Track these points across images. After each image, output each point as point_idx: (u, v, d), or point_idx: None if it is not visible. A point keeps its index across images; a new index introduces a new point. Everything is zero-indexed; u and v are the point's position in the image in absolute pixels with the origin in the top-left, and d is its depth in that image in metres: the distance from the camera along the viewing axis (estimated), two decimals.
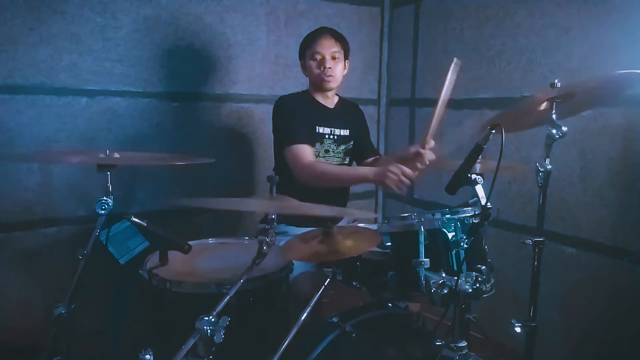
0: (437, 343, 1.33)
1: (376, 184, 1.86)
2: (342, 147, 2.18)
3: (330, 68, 2.04)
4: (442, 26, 2.68)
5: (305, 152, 1.98)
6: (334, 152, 2.16)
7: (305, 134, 2.02)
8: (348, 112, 2.26)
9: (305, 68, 2.13)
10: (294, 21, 2.70)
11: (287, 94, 2.17)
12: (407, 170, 1.69)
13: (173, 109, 2.46)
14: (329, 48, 2.04)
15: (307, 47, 2.08)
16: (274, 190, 1.26)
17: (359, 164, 2.32)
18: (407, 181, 1.70)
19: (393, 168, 1.70)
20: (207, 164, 1.52)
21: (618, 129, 1.90)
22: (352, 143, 2.21)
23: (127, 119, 2.35)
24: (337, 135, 2.15)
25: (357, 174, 1.95)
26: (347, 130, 2.19)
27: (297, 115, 2.05)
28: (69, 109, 2.23)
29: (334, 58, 2.06)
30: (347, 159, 2.22)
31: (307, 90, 2.19)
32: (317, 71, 2.06)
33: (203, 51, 2.50)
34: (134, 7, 2.30)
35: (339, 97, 2.24)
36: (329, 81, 2.07)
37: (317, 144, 2.11)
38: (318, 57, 2.05)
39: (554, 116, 1.47)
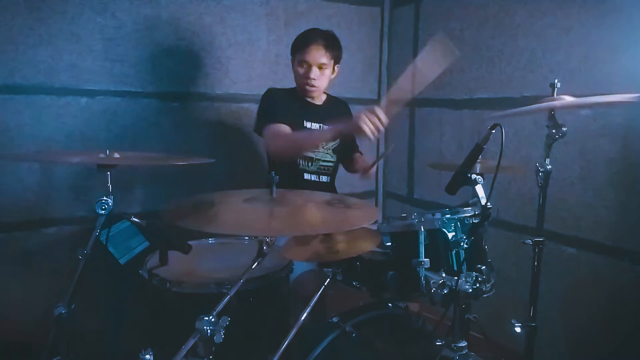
0: (437, 343, 1.34)
1: (352, 133, 1.81)
2: (331, 143, 2.20)
3: (314, 79, 2.04)
4: (442, 26, 2.67)
5: (282, 128, 1.96)
6: (323, 147, 2.18)
7: (284, 117, 2.00)
8: (336, 109, 2.28)
9: (293, 69, 2.13)
10: (294, 21, 2.70)
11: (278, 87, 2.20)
12: (381, 113, 1.59)
13: (173, 109, 2.46)
14: (317, 58, 2.01)
15: (296, 50, 2.07)
16: (274, 190, 1.27)
17: (344, 164, 2.35)
18: (380, 126, 1.59)
19: (366, 112, 1.60)
20: (207, 163, 1.52)
21: (618, 129, 1.90)
22: (338, 141, 2.22)
23: (127, 119, 2.35)
24: None
25: (331, 131, 1.87)
26: None
27: (279, 102, 2.08)
28: (69, 109, 2.23)
29: (320, 68, 2.04)
30: (335, 157, 2.23)
31: (295, 88, 2.21)
32: (300, 79, 2.07)
33: (203, 51, 2.50)
34: (134, 7, 2.30)
35: (328, 95, 2.26)
36: (310, 91, 2.09)
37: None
38: (305, 65, 2.04)
39: (553, 116, 1.47)
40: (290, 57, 2.16)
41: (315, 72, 2.03)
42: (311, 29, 2.12)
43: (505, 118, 2.29)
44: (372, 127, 1.57)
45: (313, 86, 2.07)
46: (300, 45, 2.05)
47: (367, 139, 1.60)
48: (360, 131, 1.59)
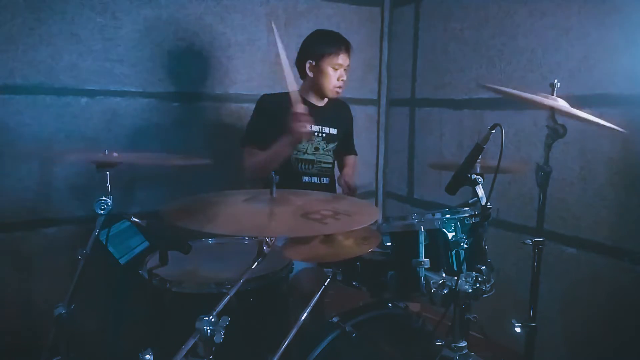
0: (437, 343, 1.33)
1: (296, 141, 1.94)
2: (331, 145, 2.21)
3: (344, 80, 2.12)
4: (442, 26, 2.68)
5: (254, 154, 2.03)
6: (323, 149, 2.19)
7: (259, 138, 2.05)
8: (337, 111, 2.29)
9: (315, 70, 2.10)
10: (294, 21, 2.70)
11: (272, 93, 2.19)
12: (301, 111, 1.81)
13: (173, 109, 2.46)
14: (347, 61, 2.11)
15: (328, 53, 2.06)
16: (274, 190, 1.27)
17: (338, 165, 2.37)
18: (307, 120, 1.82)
19: (295, 121, 1.81)
20: (207, 163, 1.52)
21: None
22: (337, 143, 2.24)
23: (127, 119, 2.35)
24: (326, 133, 2.19)
25: (280, 146, 1.93)
26: (335, 129, 2.22)
27: (260, 119, 2.10)
28: (69, 109, 2.23)
29: (346, 70, 2.13)
30: (333, 158, 2.25)
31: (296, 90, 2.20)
32: (334, 81, 2.10)
33: (203, 51, 2.50)
34: (134, 7, 2.30)
35: None
36: (339, 92, 2.14)
37: (304, 141, 2.13)
38: (338, 67, 2.09)
39: (554, 116, 1.47)
40: (307, 60, 2.11)
41: (344, 74, 2.12)
42: (331, 32, 2.16)
43: (505, 116, 2.30)
44: (303, 127, 1.81)
45: (341, 87, 2.13)
46: (334, 49, 2.07)
47: (305, 135, 1.87)
48: (299, 134, 1.83)
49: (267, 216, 1.21)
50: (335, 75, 2.09)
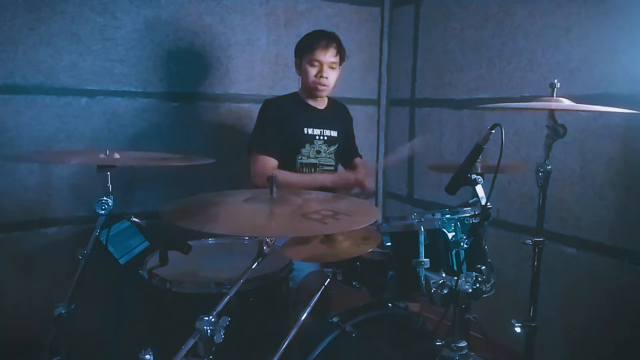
0: (437, 343, 1.33)
1: (333, 189, 2.08)
2: (333, 147, 2.21)
3: (326, 78, 2.07)
4: (442, 26, 2.68)
5: (267, 164, 2.05)
6: (325, 152, 2.19)
7: (270, 145, 2.07)
8: (337, 113, 2.30)
9: (300, 69, 2.13)
10: (294, 21, 2.70)
11: (276, 96, 2.21)
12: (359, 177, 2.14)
13: (173, 109, 2.46)
14: (328, 57, 2.06)
15: (307, 50, 2.07)
16: (274, 190, 1.27)
17: (347, 169, 2.36)
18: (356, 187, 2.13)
19: (349, 175, 2.16)
20: (207, 163, 1.52)
21: (618, 129, 1.90)
22: (338, 145, 2.24)
23: (127, 119, 2.35)
24: (327, 136, 2.19)
25: (315, 182, 2.05)
26: (336, 131, 2.22)
27: (269, 125, 2.09)
28: (69, 109, 2.23)
29: (331, 67, 2.08)
30: (335, 160, 2.25)
31: (296, 92, 2.22)
32: (313, 78, 2.08)
33: (203, 51, 2.50)
34: (134, 7, 2.30)
35: (329, 98, 2.27)
36: (322, 90, 2.11)
37: (307, 145, 2.14)
38: (316, 64, 2.06)
39: (553, 116, 1.47)
40: (294, 59, 2.16)
41: (327, 71, 2.07)
42: (317, 30, 2.15)
43: (505, 117, 2.30)
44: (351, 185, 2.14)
45: (325, 85, 2.09)
46: (312, 46, 2.06)
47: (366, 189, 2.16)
48: (363, 186, 2.14)
49: (267, 216, 1.21)
50: (313, 71, 2.06)
